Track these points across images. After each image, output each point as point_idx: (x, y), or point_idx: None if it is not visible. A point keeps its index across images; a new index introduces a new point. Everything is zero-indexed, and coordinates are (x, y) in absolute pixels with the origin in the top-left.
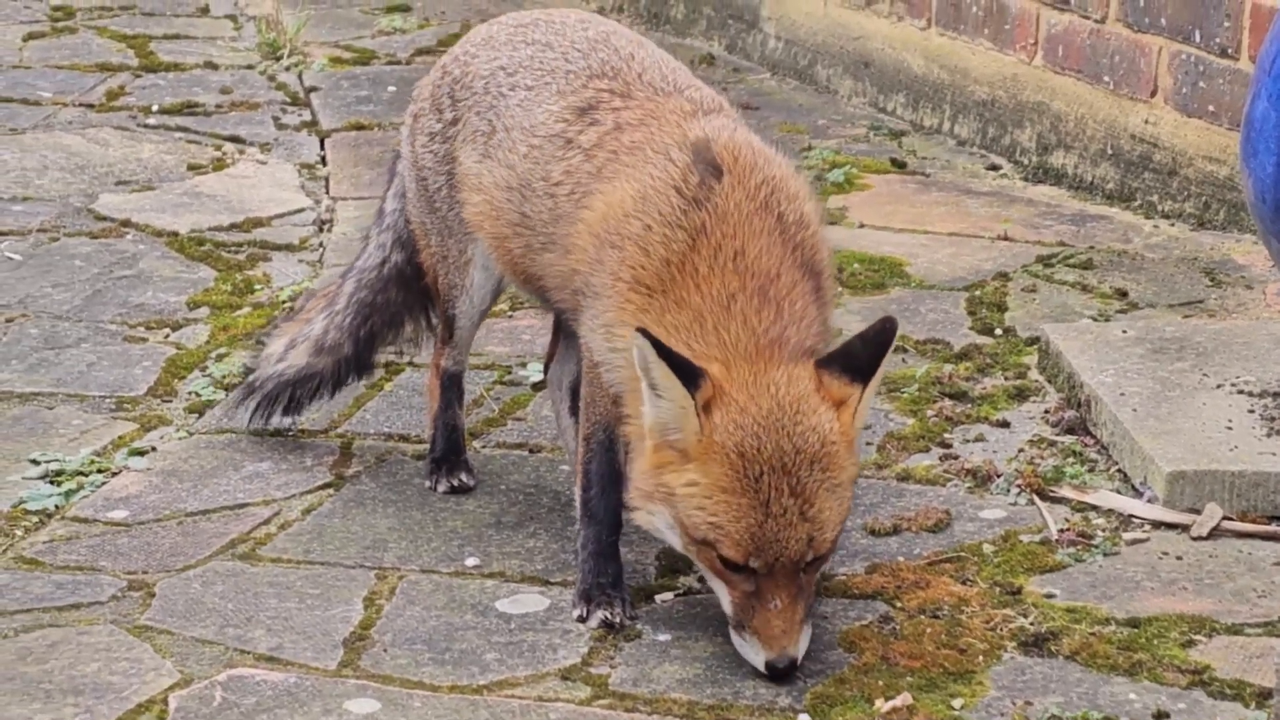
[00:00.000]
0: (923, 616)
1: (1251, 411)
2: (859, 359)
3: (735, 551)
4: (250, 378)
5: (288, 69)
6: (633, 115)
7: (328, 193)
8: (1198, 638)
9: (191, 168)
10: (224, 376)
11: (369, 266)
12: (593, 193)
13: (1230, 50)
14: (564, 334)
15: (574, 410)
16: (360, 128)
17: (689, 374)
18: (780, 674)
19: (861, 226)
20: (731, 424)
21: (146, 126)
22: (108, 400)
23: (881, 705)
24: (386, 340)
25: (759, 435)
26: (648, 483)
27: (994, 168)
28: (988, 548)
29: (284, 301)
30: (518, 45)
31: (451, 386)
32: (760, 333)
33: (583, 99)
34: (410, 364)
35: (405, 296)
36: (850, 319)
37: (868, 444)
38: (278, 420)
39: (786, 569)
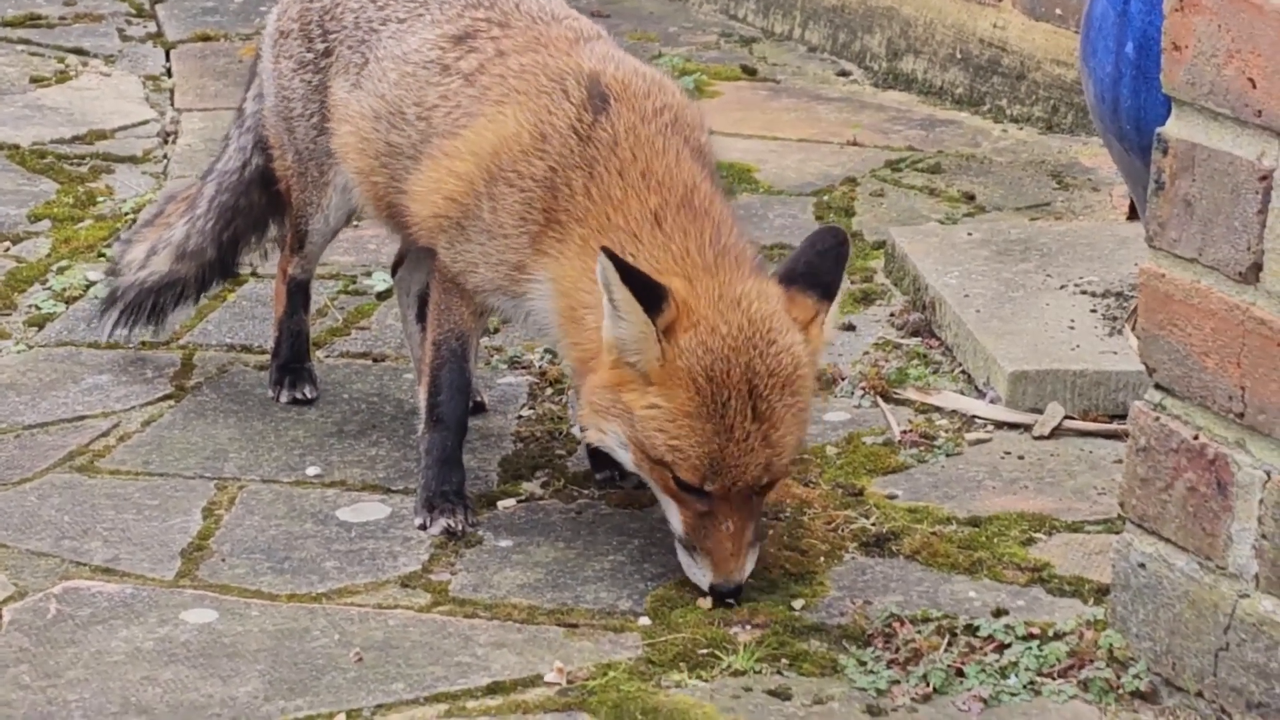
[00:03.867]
0: (765, 519)
1: (1094, 311)
2: (819, 273)
3: (692, 475)
4: (112, 286)
5: None
6: (514, 42)
7: (173, 105)
8: (1038, 536)
9: (34, 80)
10: (64, 290)
11: (230, 169)
12: (477, 115)
13: None
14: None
15: (421, 317)
16: (207, 39)
17: (652, 296)
18: (723, 596)
19: (710, 134)
20: (700, 347)
21: None
22: None
23: None
24: (250, 243)
25: (728, 357)
26: (602, 399)
27: (844, 74)
28: (831, 450)
29: (127, 214)
30: None
31: (298, 292)
32: (706, 244)
33: (459, 28)
34: (254, 274)
35: (268, 199)
36: None
37: None
38: (141, 329)
39: (741, 492)
